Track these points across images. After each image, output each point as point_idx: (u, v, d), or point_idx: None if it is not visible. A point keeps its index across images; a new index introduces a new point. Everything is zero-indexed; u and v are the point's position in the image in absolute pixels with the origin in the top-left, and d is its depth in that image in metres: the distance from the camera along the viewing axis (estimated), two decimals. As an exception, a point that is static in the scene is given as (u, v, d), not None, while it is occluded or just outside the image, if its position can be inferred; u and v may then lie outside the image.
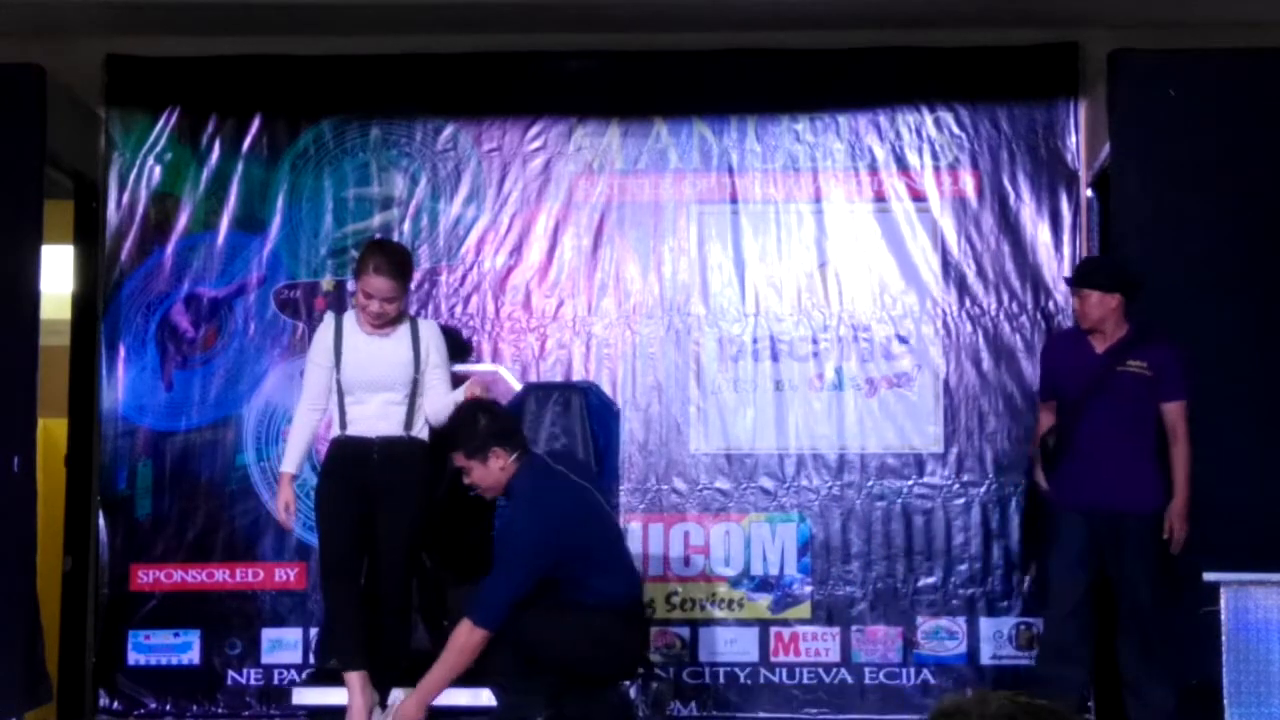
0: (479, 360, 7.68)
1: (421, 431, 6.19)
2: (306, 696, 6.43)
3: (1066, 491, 6.54)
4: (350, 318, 6.20)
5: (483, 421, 5.88)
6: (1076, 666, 6.52)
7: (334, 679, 6.17)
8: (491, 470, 5.85)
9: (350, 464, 6.10)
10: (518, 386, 6.57)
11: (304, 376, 6.31)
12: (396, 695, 5.99)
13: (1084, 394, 6.47)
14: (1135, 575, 6.41)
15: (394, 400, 6.09)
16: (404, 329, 6.19)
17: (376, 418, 6.08)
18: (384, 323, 6.12)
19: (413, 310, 7.16)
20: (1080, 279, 6.60)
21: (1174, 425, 6.42)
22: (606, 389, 7.41)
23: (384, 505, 6.07)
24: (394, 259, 6.16)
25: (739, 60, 7.86)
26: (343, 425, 6.14)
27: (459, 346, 7.04)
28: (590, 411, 6.55)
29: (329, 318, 6.29)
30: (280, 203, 7.88)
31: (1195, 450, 6.46)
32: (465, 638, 5.74)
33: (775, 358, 7.77)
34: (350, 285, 7.66)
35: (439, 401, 6.13)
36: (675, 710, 7.44)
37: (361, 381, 6.09)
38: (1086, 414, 6.46)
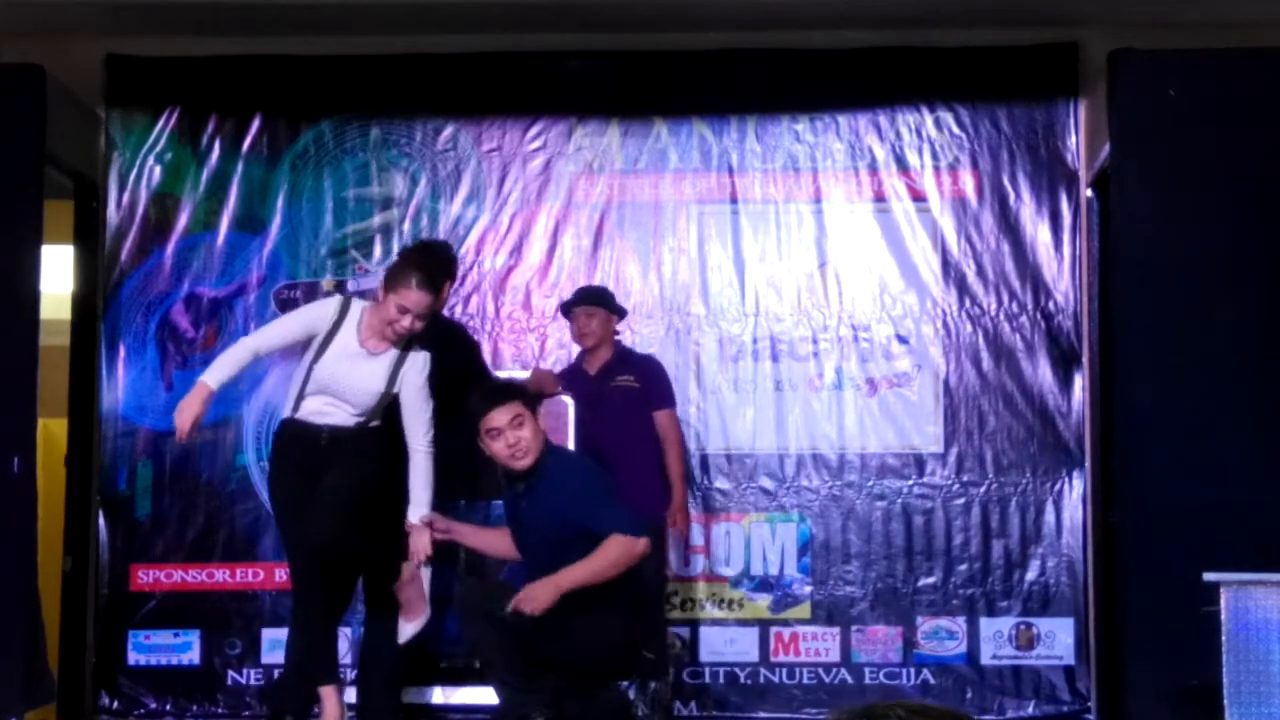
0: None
1: (373, 422, 6.01)
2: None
3: None
4: (353, 318, 5.92)
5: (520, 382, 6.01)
6: None
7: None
8: (539, 431, 5.86)
9: (299, 453, 5.96)
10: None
11: (277, 319, 5.97)
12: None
13: (582, 414, 6.93)
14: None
15: (350, 412, 5.94)
16: (391, 355, 5.92)
17: (329, 414, 5.94)
18: (398, 341, 5.88)
19: None
20: (591, 300, 7.02)
21: (666, 431, 7.02)
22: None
23: (328, 469, 5.87)
24: (439, 269, 5.92)
25: (739, 60, 7.86)
26: (295, 408, 5.97)
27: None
28: None
29: (334, 302, 6.02)
30: (280, 203, 7.87)
31: (1196, 450, 6.49)
32: (626, 548, 5.65)
33: (775, 358, 7.77)
34: (351, 285, 7.67)
35: (418, 463, 5.96)
36: (675, 710, 7.43)
37: (327, 387, 5.91)
38: (588, 431, 6.89)
